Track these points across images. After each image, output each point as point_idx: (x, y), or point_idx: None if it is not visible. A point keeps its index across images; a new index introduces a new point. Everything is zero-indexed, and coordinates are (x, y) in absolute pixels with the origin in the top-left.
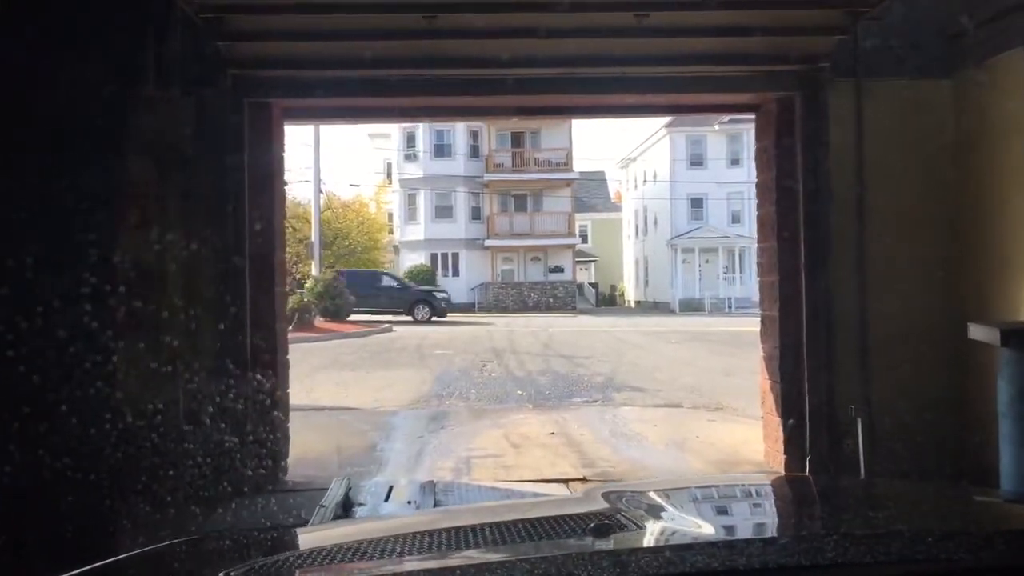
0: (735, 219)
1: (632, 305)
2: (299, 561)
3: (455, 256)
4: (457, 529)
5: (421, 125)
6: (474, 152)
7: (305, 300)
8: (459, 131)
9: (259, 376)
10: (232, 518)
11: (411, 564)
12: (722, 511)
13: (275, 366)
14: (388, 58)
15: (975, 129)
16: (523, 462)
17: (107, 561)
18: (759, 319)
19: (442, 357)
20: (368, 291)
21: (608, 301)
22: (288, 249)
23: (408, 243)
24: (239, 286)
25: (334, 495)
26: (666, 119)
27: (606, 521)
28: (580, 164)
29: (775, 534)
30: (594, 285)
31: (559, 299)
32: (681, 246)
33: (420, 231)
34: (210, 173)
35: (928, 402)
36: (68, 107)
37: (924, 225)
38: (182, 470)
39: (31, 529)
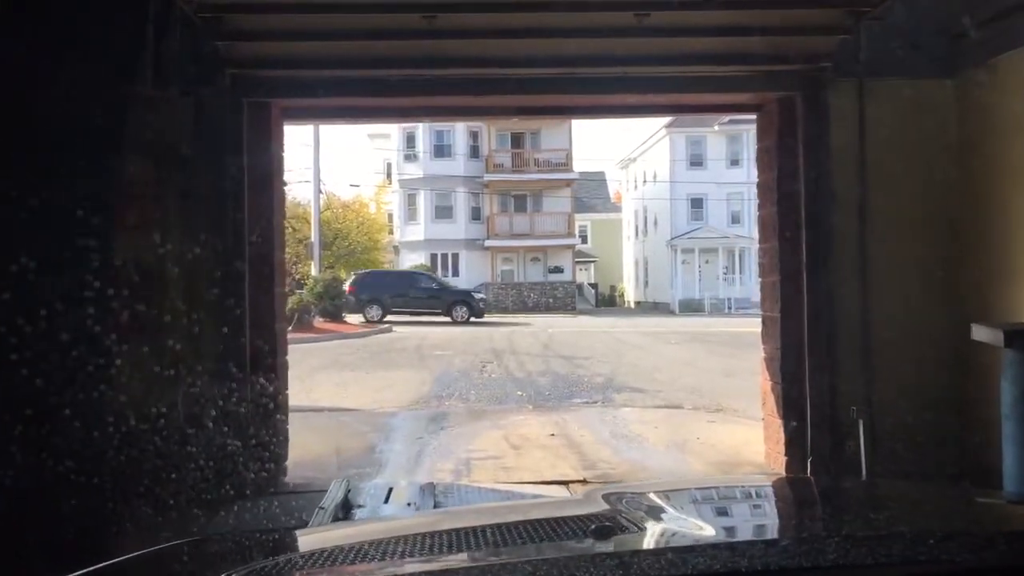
0: (735, 220)
1: (632, 306)
2: (299, 562)
3: (455, 256)
4: (457, 531)
5: (421, 125)
6: (474, 152)
7: (304, 300)
8: (459, 131)
9: (261, 379)
10: (234, 520)
11: (411, 566)
12: (723, 513)
13: (275, 368)
14: (388, 58)
15: (977, 129)
16: (523, 463)
17: (109, 563)
18: (759, 320)
19: (441, 358)
20: (404, 292)
21: (608, 302)
22: (288, 249)
23: (408, 243)
24: (239, 287)
25: (333, 497)
26: (666, 119)
27: (607, 523)
28: (580, 164)
29: (777, 536)
30: (594, 286)
31: (559, 300)
32: (681, 247)
33: (420, 231)
34: (209, 173)
35: (929, 402)
36: (67, 107)
37: (926, 225)
38: (184, 473)
39: (33, 531)
